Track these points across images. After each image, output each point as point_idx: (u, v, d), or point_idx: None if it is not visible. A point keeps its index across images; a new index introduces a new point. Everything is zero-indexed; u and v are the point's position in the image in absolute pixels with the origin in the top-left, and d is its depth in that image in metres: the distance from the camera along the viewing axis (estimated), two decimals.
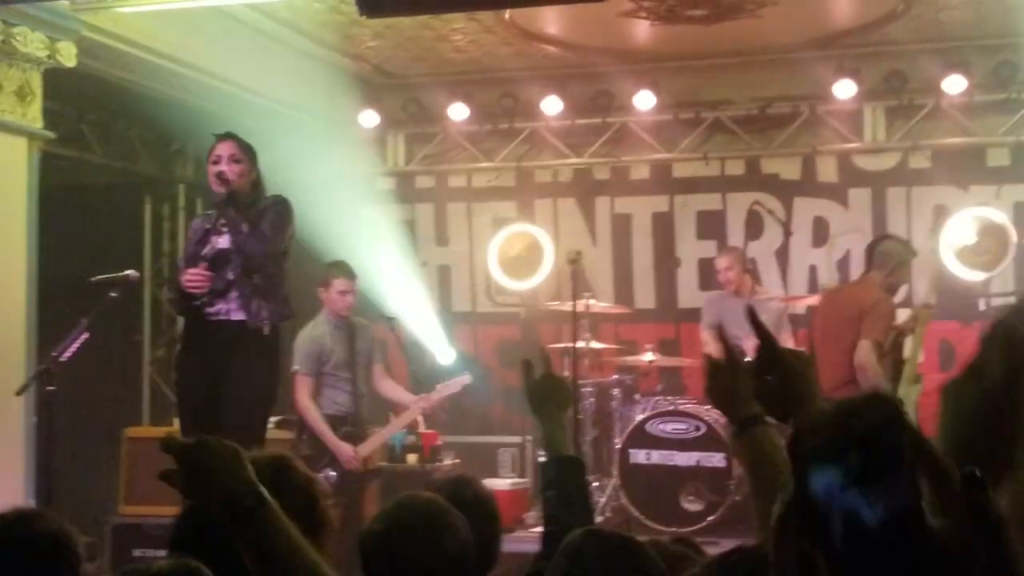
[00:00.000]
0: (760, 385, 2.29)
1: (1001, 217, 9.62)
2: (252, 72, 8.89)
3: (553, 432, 3.22)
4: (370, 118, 10.51)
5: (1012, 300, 9.30)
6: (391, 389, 8.37)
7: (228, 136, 6.28)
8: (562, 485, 3.18)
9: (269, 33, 8.70)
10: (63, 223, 7.31)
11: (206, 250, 6.21)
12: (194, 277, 6.09)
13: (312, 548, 2.18)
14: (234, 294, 6.14)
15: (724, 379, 2.43)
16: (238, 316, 6.12)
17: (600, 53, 9.91)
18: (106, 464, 8.81)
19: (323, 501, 2.75)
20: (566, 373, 9.50)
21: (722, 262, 9.25)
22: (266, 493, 2.12)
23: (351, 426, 7.93)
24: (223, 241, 6.20)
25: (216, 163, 6.20)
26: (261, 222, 6.15)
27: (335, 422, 7.88)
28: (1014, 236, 9.52)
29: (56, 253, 7.22)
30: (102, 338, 6.50)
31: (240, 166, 6.18)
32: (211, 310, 6.14)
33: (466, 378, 8.44)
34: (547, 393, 3.25)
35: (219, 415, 6.01)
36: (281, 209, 6.25)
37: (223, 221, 6.19)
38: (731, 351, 2.44)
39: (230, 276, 6.14)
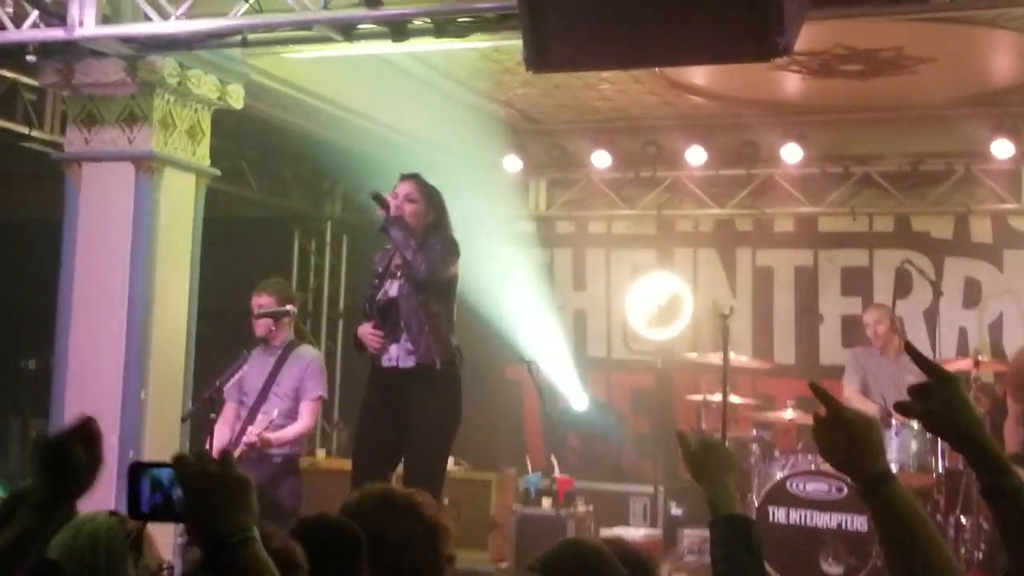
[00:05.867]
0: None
1: None
2: (404, 115, 9.05)
3: (715, 493, 3.15)
4: (514, 162, 10.59)
5: None
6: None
7: (410, 177, 6.49)
8: (729, 544, 3.10)
9: (422, 78, 8.81)
10: (216, 254, 7.48)
11: (379, 295, 6.42)
12: (372, 338, 6.34)
13: None
14: (403, 339, 6.32)
15: (837, 435, 2.38)
16: (406, 363, 6.32)
17: (747, 104, 9.84)
18: None
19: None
20: (704, 426, 9.45)
21: (871, 316, 9.13)
22: (255, 533, 2.14)
23: None
24: (393, 289, 6.38)
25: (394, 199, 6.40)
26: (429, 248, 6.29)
27: None
28: None
29: (207, 283, 7.36)
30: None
31: (414, 205, 6.36)
32: (385, 358, 6.37)
33: None
34: (706, 458, 3.25)
35: (405, 456, 6.26)
36: (449, 244, 6.38)
37: (396, 262, 6.37)
38: (834, 405, 2.36)
39: (399, 323, 6.32)
